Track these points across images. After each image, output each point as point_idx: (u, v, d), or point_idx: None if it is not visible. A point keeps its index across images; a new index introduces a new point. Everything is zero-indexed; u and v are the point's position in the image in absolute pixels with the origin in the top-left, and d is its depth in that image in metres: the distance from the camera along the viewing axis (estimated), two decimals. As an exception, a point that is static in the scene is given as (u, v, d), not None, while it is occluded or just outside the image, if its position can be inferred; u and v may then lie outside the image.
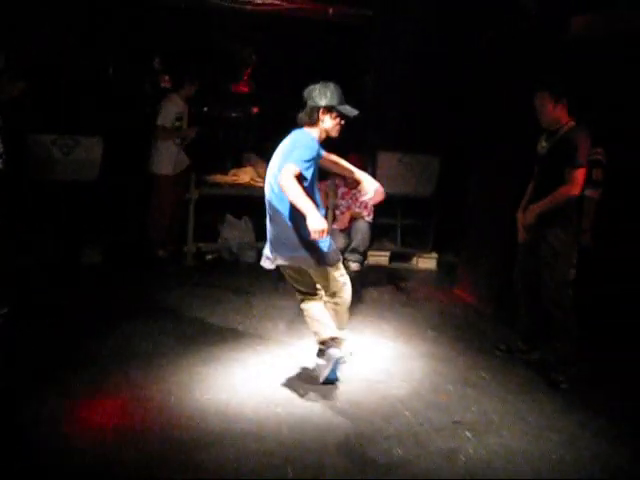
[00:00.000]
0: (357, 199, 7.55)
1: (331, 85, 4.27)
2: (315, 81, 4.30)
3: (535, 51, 5.73)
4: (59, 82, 6.99)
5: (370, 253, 7.73)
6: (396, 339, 5.40)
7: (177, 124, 7.09)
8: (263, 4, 7.56)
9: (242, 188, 7.44)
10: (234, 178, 7.57)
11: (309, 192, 4.05)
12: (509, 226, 5.10)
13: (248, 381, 4.35)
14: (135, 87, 8.28)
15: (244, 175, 7.59)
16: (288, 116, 8.25)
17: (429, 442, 3.72)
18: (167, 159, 7.10)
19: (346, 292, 4.49)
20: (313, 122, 4.27)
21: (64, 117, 6.81)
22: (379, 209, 7.68)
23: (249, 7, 7.54)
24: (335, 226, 7.51)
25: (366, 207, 7.53)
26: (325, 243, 4.20)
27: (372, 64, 8.01)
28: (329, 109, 4.24)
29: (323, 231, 3.83)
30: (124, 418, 3.73)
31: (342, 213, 7.62)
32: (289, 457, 3.41)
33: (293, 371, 4.56)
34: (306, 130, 4.28)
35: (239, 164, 7.87)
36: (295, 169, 3.97)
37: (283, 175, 3.96)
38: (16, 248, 5.41)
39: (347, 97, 4.32)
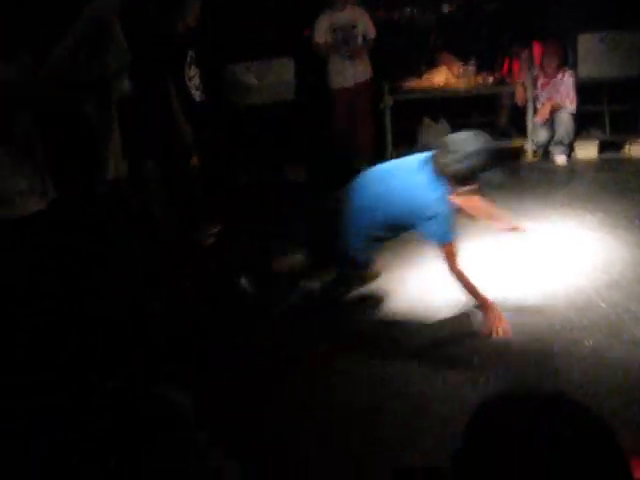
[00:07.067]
0: (558, 89, 7.18)
1: (485, 146, 3.55)
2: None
3: None
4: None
5: (577, 144, 7.35)
6: (599, 230, 5.16)
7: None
8: None
9: (437, 90, 7.43)
10: (428, 81, 7.55)
11: None
12: None
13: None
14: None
15: (438, 76, 7.53)
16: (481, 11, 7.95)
17: (624, 332, 3.63)
18: (334, 73, 7.13)
19: None
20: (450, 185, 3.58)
21: (256, 43, 7.16)
22: (583, 96, 7.27)
23: None
24: (536, 119, 7.24)
25: (568, 96, 7.14)
26: None
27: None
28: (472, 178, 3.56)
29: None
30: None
31: (542, 104, 7.27)
32: (476, 347, 3.56)
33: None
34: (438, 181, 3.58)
35: (432, 65, 7.79)
36: (454, 248, 3.59)
37: (449, 262, 3.56)
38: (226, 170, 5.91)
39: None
